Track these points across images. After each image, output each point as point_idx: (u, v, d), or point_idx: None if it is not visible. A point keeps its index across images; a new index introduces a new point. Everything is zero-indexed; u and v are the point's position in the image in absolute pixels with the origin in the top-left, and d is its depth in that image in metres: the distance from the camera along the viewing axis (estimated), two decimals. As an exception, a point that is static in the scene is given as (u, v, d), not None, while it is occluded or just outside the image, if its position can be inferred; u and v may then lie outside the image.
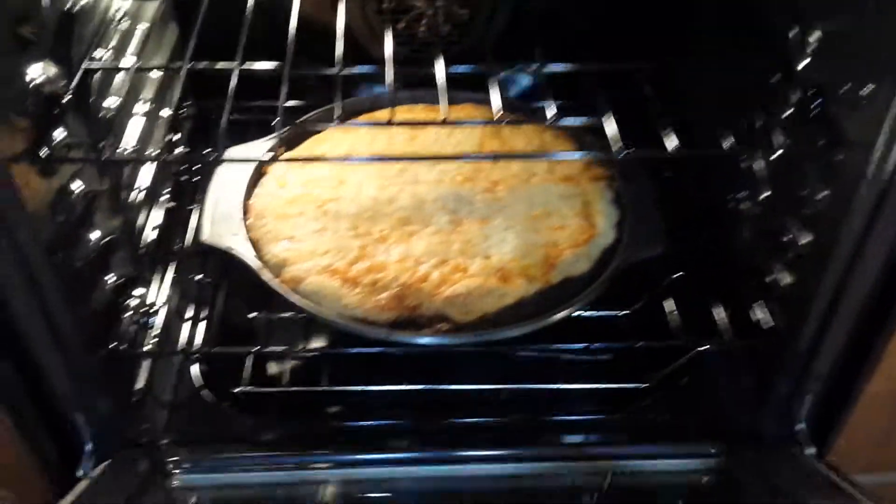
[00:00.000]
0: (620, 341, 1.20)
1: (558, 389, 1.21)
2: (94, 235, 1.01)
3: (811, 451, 1.11)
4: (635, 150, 0.95)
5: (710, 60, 1.25)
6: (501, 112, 0.97)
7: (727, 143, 1.05)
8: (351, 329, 1.08)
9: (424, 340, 1.08)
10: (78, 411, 1.05)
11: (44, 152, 0.87)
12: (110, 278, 1.08)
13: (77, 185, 0.96)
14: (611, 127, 0.94)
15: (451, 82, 1.07)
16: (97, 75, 1.03)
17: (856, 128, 0.87)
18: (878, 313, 1.02)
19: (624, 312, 1.27)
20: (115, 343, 1.10)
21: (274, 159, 0.85)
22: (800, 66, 0.96)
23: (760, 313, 1.14)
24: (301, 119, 1.34)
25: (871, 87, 0.83)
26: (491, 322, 1.10)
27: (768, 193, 1.09)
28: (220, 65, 1.06)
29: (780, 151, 1.02)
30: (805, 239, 1.01)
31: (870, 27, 0.86)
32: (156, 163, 1.29)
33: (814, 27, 0.96)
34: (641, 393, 1.21)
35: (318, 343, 1.27)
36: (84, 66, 1.00)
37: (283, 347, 1.22)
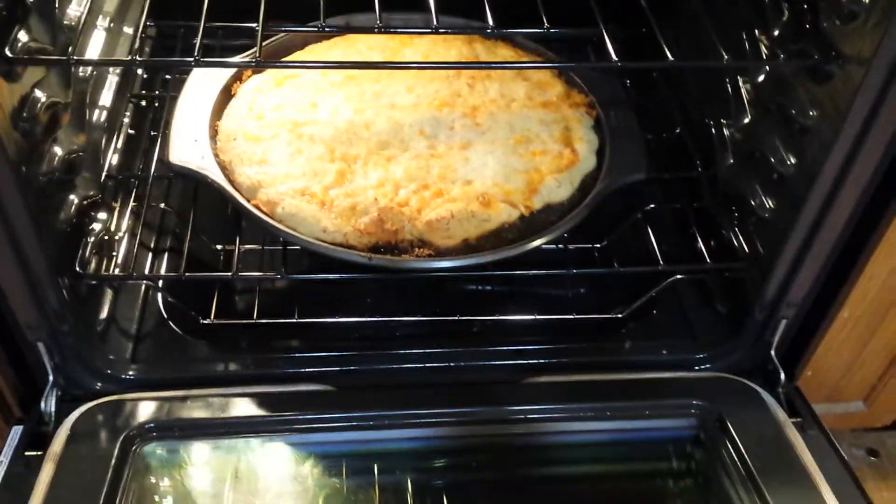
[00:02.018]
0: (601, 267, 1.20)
1: (533, 320, 1.20)
2: (59, 151, 0.96)
3: (782, 376, 1.13)
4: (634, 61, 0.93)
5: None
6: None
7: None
8: (331, 253, 1.04)
9: (406, 265, 1.05)
10: (41, 340, 1.01)
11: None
12: (74, 199, 1.02)
13: (40, 95, 0.90)
14: (606, 38, 0.92)
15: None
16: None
17: (850, 42, 0.87)
18: (855, 239, 1.04)
19: (599, 245, 1.27)
20: (79, 269, 1.05)
21: (257, 63, 0.80)
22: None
23: (740, 240, 1.14)
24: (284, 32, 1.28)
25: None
26: (473, 247, 1.08)
27: (755, 117, 1.09)
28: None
29: (769, 68, 1.01)
30: (790, 161, 1.01)
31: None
32: (116, 83, 1.22)
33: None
34: (616, 323, 1.21)
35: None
36: (47, -34, 0.93)
37: (258, 273, 1.18)
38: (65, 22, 0.98)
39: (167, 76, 1.45)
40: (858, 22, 0.86)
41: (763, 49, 1.03)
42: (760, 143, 1.07)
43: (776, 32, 1.01)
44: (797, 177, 0.99)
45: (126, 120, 1.33)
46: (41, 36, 0.91)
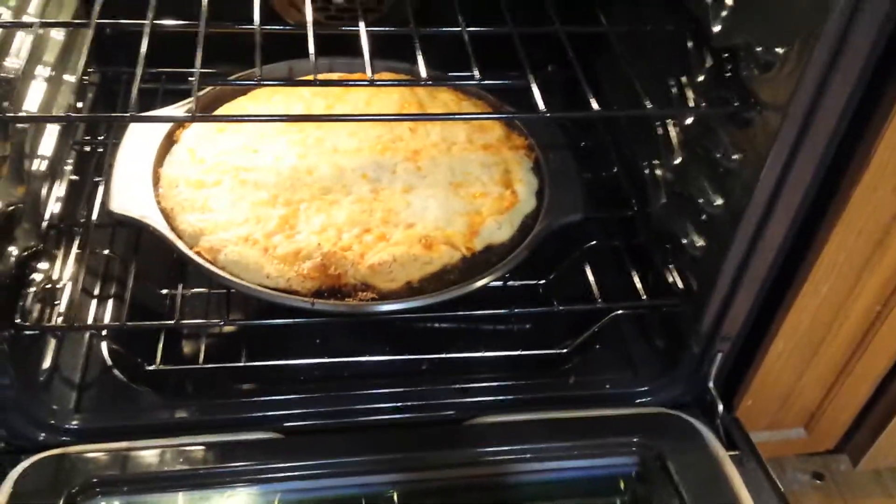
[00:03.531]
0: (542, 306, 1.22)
1: (479, 358, 1.22)
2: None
3: (720, 408, 1.16)
4: (561, 112, 0.96)
5: (625, 29, 1.28)
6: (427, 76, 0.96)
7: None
8: (273, 300, 1.05)
9: (349, 309, 1.06)
10: (-21, 391, 1.00)
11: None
12: (13, 251, 1.02)
13: (-26, 150, 0.90)
14: (535, 88, 0.95)
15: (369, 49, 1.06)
16: (-5, 34, 0.97)
17: (768, 90, 0.91)
18: (783, 275, 1.08)
19: (543, 281, 1.29)
20: (20, 320, 1.04)
21: (193, 117, 0.81)
22: (714, 30, 0.98)
23: (674, 277, 1.18)
24: (219, 85, 1.30)
25: (782, 49, 0.87)
26: (416, 290, 1.09)
27: (685, 158, 1.13)
28: (130, 22, 1.00)
29: (694, 114, 1.05)
30: (717, 202, 1.05)
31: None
32: (58, 131, 1.22)
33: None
34: (560, 359, 1.24)
35: (234, 317, 1.23)
36: (-20, 22, 0.94)
37: (201, 321, 1.18)
38: (1, 74, 0.98)
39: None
40: (774, 71, 0.90)
41: (689, 94, 1.07)
42: (690, 184, 1.11)
43: (700, 79, 1.05)
44: (724, 217, 1.03)
45: (68, 167, 1.32)
46: (-24, 91, 0.91)
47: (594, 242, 1.32)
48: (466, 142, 1.28)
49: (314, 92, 1.33)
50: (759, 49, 0.92)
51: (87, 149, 1.40)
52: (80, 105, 1.37)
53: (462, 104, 1.35)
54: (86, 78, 1.42)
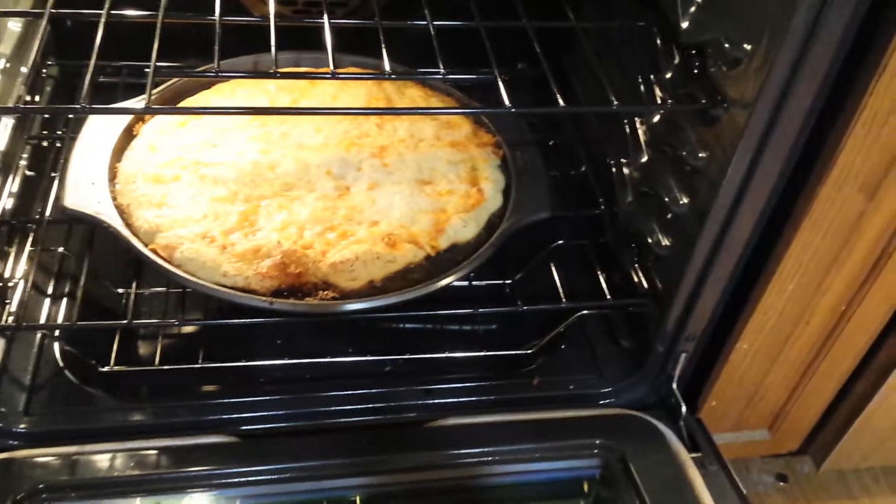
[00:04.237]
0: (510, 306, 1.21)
1: (444, 358, 1.20)
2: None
3: (683, 409, 1.15)
4: (526, 108, 0.94)
5: (594, 25, 1.27)
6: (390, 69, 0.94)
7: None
8: (230, 298, 1.02)
9: (308, 309, 1.03)
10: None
11: None
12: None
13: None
14: (500, 84, 0.93)
15: (334, 46, 1.04)
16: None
17: (735, 87, 0.90)
18: (749, 274, 1.07)
19: (509, 281, 1.28)
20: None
21: (148, 109, 0.78)
22: (682, 26, 0.98)
23: (640, 276, 1.17)
24: (177, 77, 1.27)
25: (749, 45, 0.86)
26: (378, 289, 1.07)
27: (651, 157, 1.12)
28: (86, 12, 0.97)
29: (662, 111, 1.04)
30: (683, 200, 1.04)
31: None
32: (11, 125, 1.18)
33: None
34: (525, 359, 1.22)
35: (193, 317, 1.20)
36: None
37: (156, 321, 1.15)
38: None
39: (69, 116, 1.42)
40: (741, 68, 0.89)
41: (657, 91, 1.06)
42: (656, 182, 1.10)
43: (668, 76, 1.04)
44: (689, 216, 1.02)
45: (23, 162, 1.28)
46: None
47: (561, 241, 1.30)
48: (434, 138, 1.27)
49: (279, 86, 1.30)
50: (726, 45, 0.91)
51: (45, 143, 1.37)
52: (37, 99, 1.33)
53: (430, 100, 1.33)
54: (44, 71, 1.38)
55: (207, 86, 1.31)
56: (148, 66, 1.31)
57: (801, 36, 0.82)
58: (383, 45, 0.96)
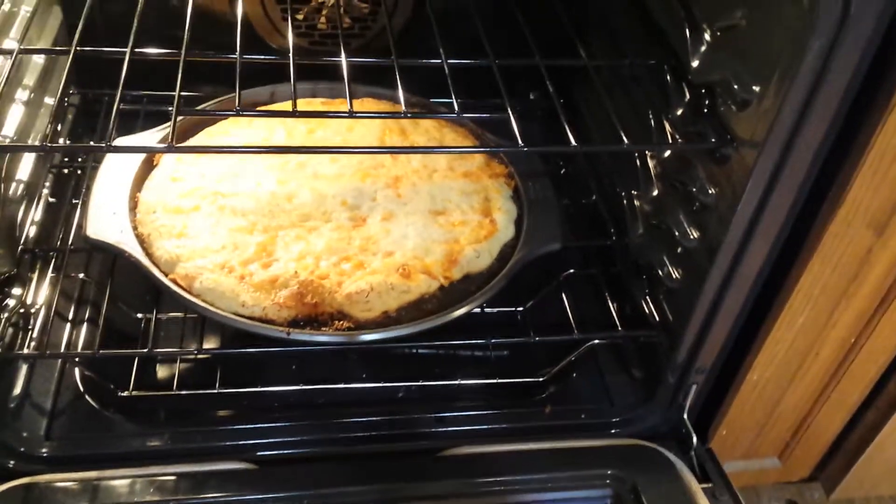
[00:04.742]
0: (518, 337, 1.22)
1: (456, 385, 1.22)
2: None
3: (694, 440, 1.16)
4: (540, 146, 0.96)
5: (604, 62, 1.29)
6: (407, 106, 0.96)
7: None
8: (249, 329, 1.05)
9: (325, 339, 1.05)
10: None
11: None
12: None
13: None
14: (514, 122, 0.96)
15: (350, 77, 1.06)
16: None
17: (745, 126, 0.92)
18: (759, 306, 1.08)
19: (521, 308, 1.29)
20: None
21: (170, 148, 0.81)
22: (693, 65, 0.99)
23: (650, 308, 1.18)
24: (199, 107, 1.30)
25: (758, 87, 0.88)
26: (393, 319, 1.09)
27: (662, 191, 1.13)
28: (111, 50, 1.00)
29: (671, 150, 1.05)
30: (693, 235, 1.05)
31: (758, 28, 0.90)
32: (35, 154, 1.21)
33: (705, 28, 1.00)
34: (537, 387, 1.24)
35: (211, 344, 1.22)
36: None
37: (175, 349, 1.17)
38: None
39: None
40: (751, 108, 0.91)
41: (667, 128, 1.08)
42: (667, 216, 1.11)
43: (678, 113, 1.06)
44: (700, 250, 1.03)
45: (46, 190, 1.31)
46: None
47: (572, 270, 1.32)
48: (447, 169, 1.29)
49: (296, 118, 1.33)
50: (736, 86, 0.93)
51: (66, 170, 1.39)
52: (59, 128, 1.36)
53: (444, 131, 1.35)
54: (66, 100, 1.41)
55: (225, 116, 1.34)
56: (168, 95, 1.35)
57: (810, 78, 0.83)
58: (399, 82, 0.98)
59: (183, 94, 0.92)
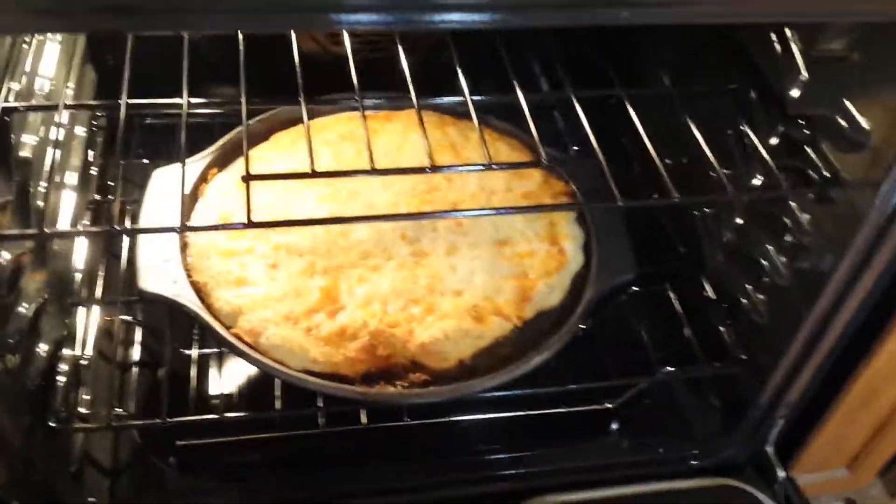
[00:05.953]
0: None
1: (524, 417, 1.17)
2: (23, 308, 0.88)
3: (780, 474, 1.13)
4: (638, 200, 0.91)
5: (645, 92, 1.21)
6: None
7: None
8: (325, 391, 0.99)
9: (410, 400, 1.01)
10: (15, 498, 0.93)
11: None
12: (43, 347, 0.95)
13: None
14: (605, 168, 0.89)
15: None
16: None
17: (855, 166, 0.85)
18: (854, 347, 1.03)
19: (583, 326, 1.23)
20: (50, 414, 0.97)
21: (246, 225, 0.74)
22: (790, 95, 0.92)
23: (732, 339, 1.13)
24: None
25: (868, 126, 0.81)
26: (468, 367, 1.04)
27: (745, 220, 1.07)
28: (162, 102, 0.93)
29: (771, 195, 0.98)
30: (784, 272, 0.99)
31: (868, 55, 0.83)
32: (75, 196, 1.14)
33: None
34: (607, 415, 1.19)
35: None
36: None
37: (250, 414, 1.11)
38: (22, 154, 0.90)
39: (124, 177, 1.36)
40: (864, 149, 0.84)
41: (755, 156, 1.01)
42: (752, 247, 1.05)
43: (771, 142, 0.99)
44: (792, 288, 0.98)
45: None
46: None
47: (638, 289, 1.26)
48: (506, 190, 1.22)
49: (341, 135, 1.25)
50: (843, 123, 0.86)
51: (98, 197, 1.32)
52: (90, 154, 1.28)
53: (496, 144, 1.27)
54: (94, 123, 1.33)
55: (265, 136, 1.26)
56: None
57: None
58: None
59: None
